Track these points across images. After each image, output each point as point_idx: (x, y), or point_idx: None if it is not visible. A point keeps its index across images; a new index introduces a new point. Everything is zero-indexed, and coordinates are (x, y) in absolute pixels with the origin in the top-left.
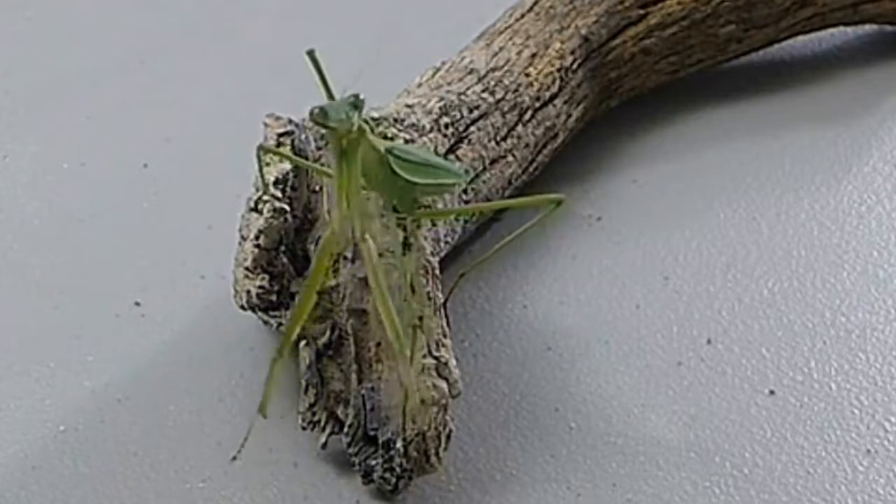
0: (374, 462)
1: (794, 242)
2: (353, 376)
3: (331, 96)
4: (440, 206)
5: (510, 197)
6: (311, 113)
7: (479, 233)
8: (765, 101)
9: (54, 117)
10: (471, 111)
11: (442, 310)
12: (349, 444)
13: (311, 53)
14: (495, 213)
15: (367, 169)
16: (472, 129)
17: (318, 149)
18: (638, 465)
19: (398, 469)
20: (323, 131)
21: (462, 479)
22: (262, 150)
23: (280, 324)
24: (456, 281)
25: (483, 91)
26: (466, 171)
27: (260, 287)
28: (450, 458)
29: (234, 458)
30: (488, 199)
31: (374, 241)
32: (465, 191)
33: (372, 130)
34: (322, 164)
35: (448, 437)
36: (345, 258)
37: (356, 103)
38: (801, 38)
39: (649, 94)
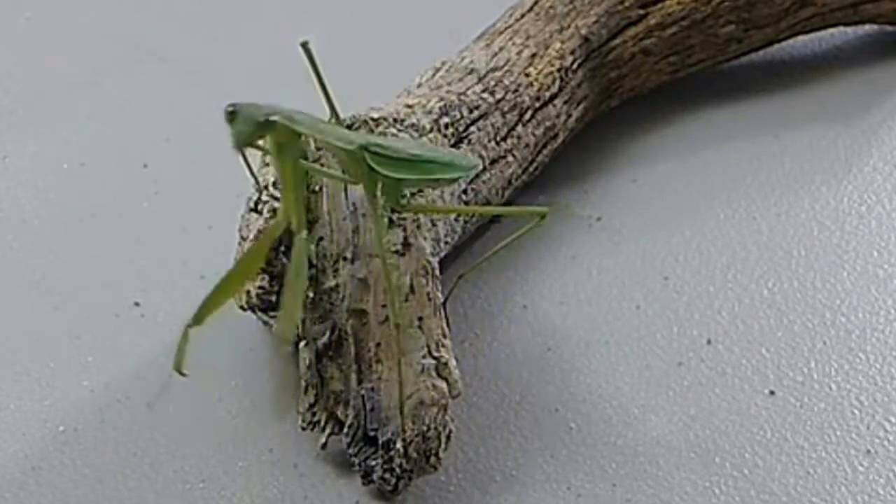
0: (374, 462)
1: (794, 242)
2: (353, 377)
3: (324, 88)
4: (438, 202)
5: (509, 199)
6: (228, 111)
7: (479, 233)
8: (765, 101)
9: (54, 117)
10: (471, 111)
11: (442, 310)
12: (349, 445)
13: (304, 45)
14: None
15: (347, 166)
16: (472, 129)
17: (318, 148)
18: (638, 465)
19: (398, 469)
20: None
21: (462, 479)
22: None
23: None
24: (454, 283)
25: (483, 91)
26: (474, 167)
27: (260, 287)
28: (450, 458)
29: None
30: (488, 200)
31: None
32: (464, 191)
33: (348, 125)
34: (322, 165)
35: (448, 437)
36: (345, 258)
37: (261, 121)
38: (801, 38)
39: (649, 94)
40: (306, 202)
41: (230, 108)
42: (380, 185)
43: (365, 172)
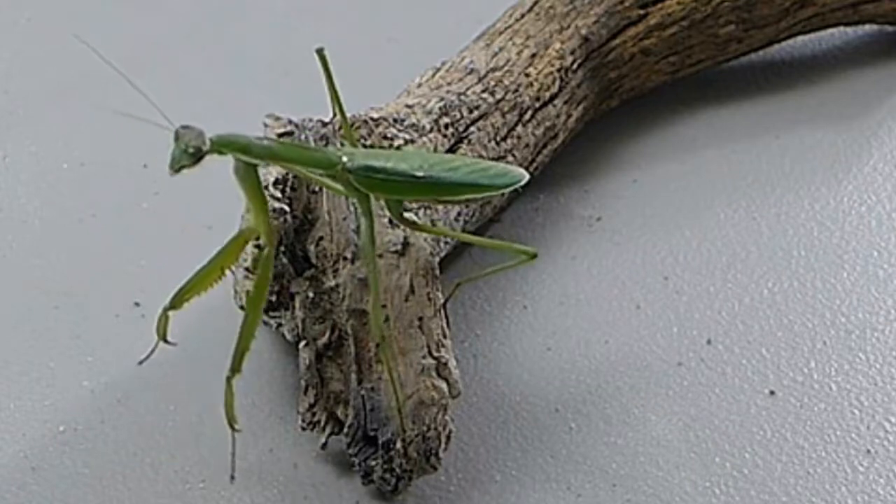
0: (374, 462)
1: (794, 242)
2: (353, 377)
3: (335, 95)
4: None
5: (509, 199)
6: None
7: (479, 233)
8: (765, 101)
9: (54, 117)
10: (471, 111)
11: (442, 310)
12: (349, 445)
13: (320, 52)
14: (495, 214)
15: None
16: (472, 129)
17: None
18: (638, 465)
19: (398, 469)
20: (323, 130)
21: (462, 479)
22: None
23: (280, 324)
24: (452, 289)
25: (483, 91)
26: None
27: None
28: (450, 458)
29: (232, 477)
30: (488, 199)
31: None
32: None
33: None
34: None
35: (448, 437)
36: (345, 258)
37: (190, 150)
38: (801, 38)
39: (649, 94)
40: (306, 202)
41: (176, 129)
42: (373, 199)
43: (352, 191)
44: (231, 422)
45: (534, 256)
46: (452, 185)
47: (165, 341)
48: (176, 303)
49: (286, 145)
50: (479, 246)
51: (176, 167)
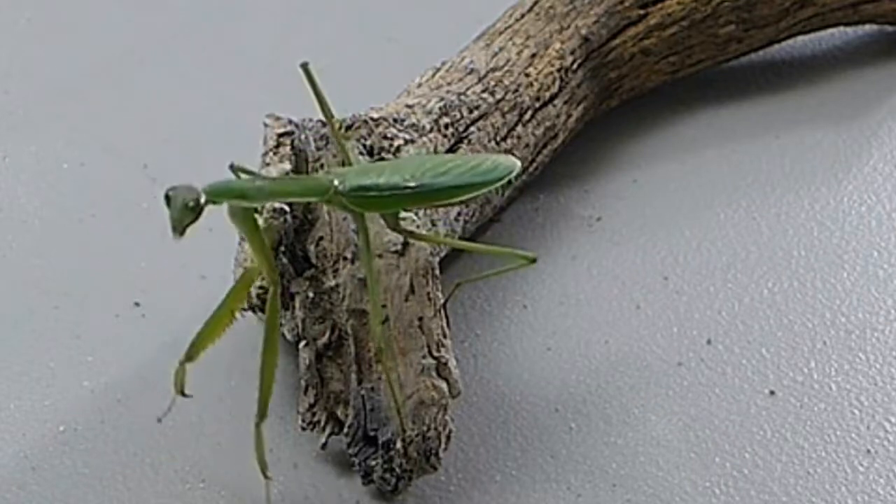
0: (374, 462)
1: (794, 242)
2: (353, 377)
3: (324, 107)
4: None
5: (510, 199)
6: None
7: (479, 233)
8: (765, 101)
9: (54, 117)
10: (471, 111)
11: (442, 310)
12: (349, 445)
13: (304, 66)
14: (495, 214)
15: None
16: (472, 129)
17: (318, 149)
18: (638, 465)
19: (398, 469)
20: (323, 130)
21: (462, 479)
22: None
23: (280, 324)
24: (452, 290)
25: (483, 91)
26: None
27: (260, 287)
28: (450, 458)
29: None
30: (488, 199)
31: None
32: None
33: (348, 126)
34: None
35: (448, 437)
36: (345, 258)
37: (191, 204)
38: (801, 38)
39: (649, 94)
40: (306, 202)
41: (166, 193)
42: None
43: (348, 211)
44: (263, 469)
45: (533, 261)
46: (445, 189)
47: (183, 394)
48: (192, 354)
49: (278, 181)
50: (478, 253)
51: (181, 227)
